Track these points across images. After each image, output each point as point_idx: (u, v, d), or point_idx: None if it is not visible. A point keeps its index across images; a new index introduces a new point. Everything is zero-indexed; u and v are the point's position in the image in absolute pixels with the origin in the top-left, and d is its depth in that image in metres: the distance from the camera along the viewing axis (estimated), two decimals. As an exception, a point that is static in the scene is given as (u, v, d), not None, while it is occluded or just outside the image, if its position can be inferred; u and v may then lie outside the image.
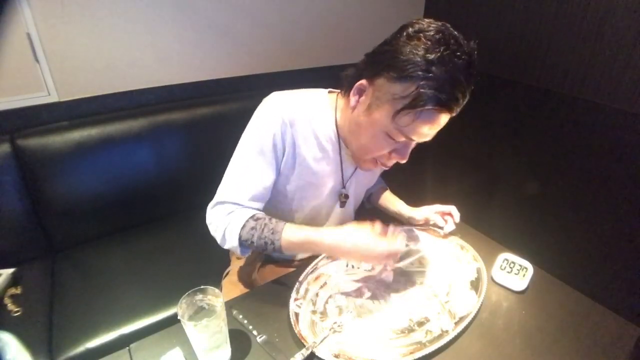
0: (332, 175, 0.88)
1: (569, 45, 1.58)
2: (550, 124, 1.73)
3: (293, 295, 0.78)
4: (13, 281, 1.25)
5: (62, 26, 1.33)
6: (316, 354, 0.66)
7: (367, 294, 0.79)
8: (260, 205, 0.82)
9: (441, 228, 0.96)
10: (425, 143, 0.76)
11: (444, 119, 0.70)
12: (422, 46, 0.64)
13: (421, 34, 0.65)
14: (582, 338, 0.71)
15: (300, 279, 0.82)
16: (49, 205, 1.36)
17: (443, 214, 0.98)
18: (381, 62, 0.69)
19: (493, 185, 2.07)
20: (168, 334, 0.72)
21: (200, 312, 0.65)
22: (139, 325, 1.15)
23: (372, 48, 0.74)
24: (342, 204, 0.94)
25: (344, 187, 0.92)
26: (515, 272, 0.83)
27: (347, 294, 0.79)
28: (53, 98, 1.40)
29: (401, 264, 0.87)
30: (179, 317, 0.61)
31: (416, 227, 0.99)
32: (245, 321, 0.73)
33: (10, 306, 1.16)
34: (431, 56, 0.63)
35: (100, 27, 1.39)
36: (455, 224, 0.95)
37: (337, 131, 0.84)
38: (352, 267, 0.87)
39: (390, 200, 1.06)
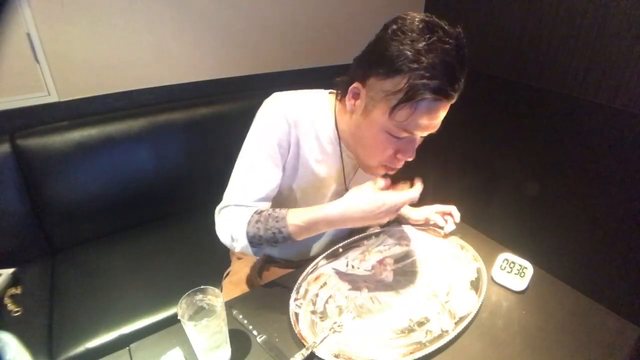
0: (333, 177, 0.88)
1: (569, 45, 1.58)
2: (550, 124, 1.73)
3: (293, 295, 0.78)
4: (13, 281, 1.25)
5: (62, 26, 1.33)
6: (316, 354, 0.66)
7: (367, 293, 0.79)
8: (266, 205, 0.80)
9: (441, 228, 0.96)
10: (426, 141, 0.75)
11: (442, 107, 0.68)
12: (408, 39, 0.63)
13: (405, 28, 0.64)
14: (582, 338, 0.71)
15: (300, 279, 0.82)
16: (49, 205, 1.36)
17: (443, 214, 0.98)
18: (369, 61, 0.69)
19: (493, 185, 2.07)
20: (168, 334, 0.72)
21: (200, 312, 0.65)
22: (139, 325, 1.15)
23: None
24: None
25: (346, 189, 0.91)
26: (515, 272, 0.83)
27: (347, 294, 0.79)
28: (53, 98, 1.40)
29: (401, 264, 0.87)
30: (179, 317, 0.61)
31: (416, 227, 0.99)
32: (245, 321, 0.73)
33: (10, 306, 1.16)
34: (417, 46, 0.62)
35: (100, 27, 1.39)
36: (456, 223, 0.95)
37: (338, 133, 0.83)
38: (352, 267, 0.87)
39: None
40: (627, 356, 0.68)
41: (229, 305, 0.76)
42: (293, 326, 0.71)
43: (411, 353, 0.66)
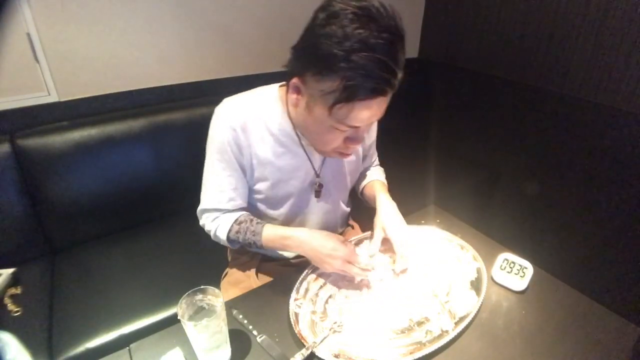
0: (300, 168, 0.87)
1: (569, 45, 1.58)
2: (550, 124, 1.73)
3: (293, 295, 0.78)
4: (13, 281, 1.25)
5: (62, 26, 1.33)
6: (316, 354, 0.66)
7: (367, 293, 0.79)
8: (242, 203, 0.89)
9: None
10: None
11: (381, 101, 0.66)
12: (338, 34, 0.60)
13: (334, 20, 0.60)
14: (582, 338, 0.71)
15: (300, 279, 0.82)
16: (49, 205, 1.36)
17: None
18: (303, 57, 0.68)
19: (493, 185, 2.07)
20: (168, 334, 0.72)
21: (200, 312, 0.65)
22: (139, 325, 1.15)
23: None
24: (317, 194, 0.92)
25: (317, 176, 0.90)
26: (515, 272, 0.83)
27: (347, 294, 0.79)
28: (53, 98, 1.40)
29: (399, 264, 0.87)
30: (179, 317, 0.61)
31: (416, 226, 0.99)
32: (245, 321, 0.73)
33: (10, 306, 1.16)
34: (347, 44, 0.59)
35: (100, 27, 1.39)
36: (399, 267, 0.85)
37: (292, 123, 0.83)
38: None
39: (373, 191, 0.98)
40: (627, 356, 0.68)
41: (229, 305, 0.76)
42: (293, 326, 0.71)
43: (411, 353, 0.66)
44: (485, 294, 0.78)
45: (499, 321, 0.75)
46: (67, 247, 1.43)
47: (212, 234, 0.89)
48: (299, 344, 0.68)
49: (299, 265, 0.91)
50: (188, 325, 0.60)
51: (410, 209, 1.08)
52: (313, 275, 0.84)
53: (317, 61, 0.64)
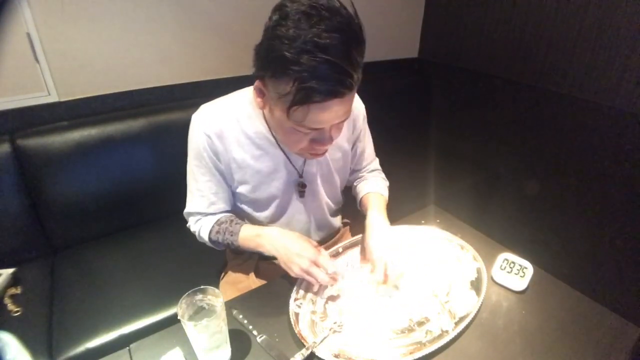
0: (280, 169, 0.86)
1: (569, 45, 1.58)
2: (550, 124, 1.73)
3: (293, 295, 0.78)
4: (13, 281, 1.25)
5: (62, 26, 1.33)
6: (316, 354, 0.66)
7: (367, 293, 0.79)
8: (225, 206, 0.90)
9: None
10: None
11: (338, 103, 0.63)
12: (289, 34, 0.57)
13: (285, 21, 0.59)
14: (582, 338, 0.71)
15: (300, 279, 0.82)
16: (49, 205, 1.36)
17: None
18: (260, 59, 0.66)
19: (493, 185, 2.07)
20: (168, 334, 0.72)
21: (200, 312, 0.65)
22: (139, 325, 1.15)
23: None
24: (301, 194, 0.91)
25: (299, 175, 0.89)
26: (515, 272, 0.83)
27: (347, 294, 0.79)
28: (53, 98, 1.40)
29: (399, 264, 0.87)
30: (179, 317, 0.61)
31: (415, 226, 0.99)
32: (245, 321, 0.73)
33: (10, 306, 1.16)
34: (296, 45, 0.57)
35: (100, 27, 1.39)
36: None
37: (268, 125, 0.82)
38: (352, 267, 0.87)
39: (367, 204, 0.95)
40: (627, 356, 0.68)
41: (229, 305, 0.76)
42: (293, 326, 0.71)
43: (411, 353, 0.66)
44: (485, 294, 0.78)
45: (499, 321, 0.75)
46: (67, 247, 1.43)
47: (197, 235, 0.92)
48: (299, 344, 0.68)
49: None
50: (188, 325, 0.60)
51: (410, 209, 1.08)
52: (313, 275, 0.84)
53: (271, 63, 0.62)
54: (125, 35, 1.44)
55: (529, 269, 0.82)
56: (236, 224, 0.86)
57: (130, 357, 0.68)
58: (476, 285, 0.81)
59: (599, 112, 1.54)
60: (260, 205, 0.90)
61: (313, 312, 0.75)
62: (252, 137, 0.82)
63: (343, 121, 0.71)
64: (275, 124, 0.73)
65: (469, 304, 0.76)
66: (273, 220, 0.92)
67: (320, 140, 0.72)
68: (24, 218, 1.34)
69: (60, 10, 1.30)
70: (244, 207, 0.91)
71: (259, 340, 0.70)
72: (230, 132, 0.81)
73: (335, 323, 0.72)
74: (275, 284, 0.86)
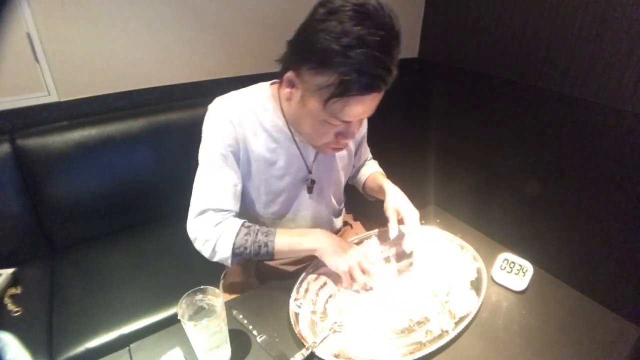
0: (293, 163, 0.87)
1: (569, 45, 1.58)
2: (550, 124, 1.73)
3: (293, 295, 0.78)
4: (13, 281, 1.25)
5: (62, 26, 1.33)
6: (316, 354, 0.66)
7: (367, 293, 0.79)
8: (238, 204, 0.84)
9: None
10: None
11: (375, 97, 0.69)
12: (336, 30, 0.61)
13: (333, 16, 0.62)
14: (582, 338, 0.71)
15: (300, 279, 0.82)
16: (49, 205, 1.36)
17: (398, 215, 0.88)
18: (300, 52, 0.69)
19: (493, 185, 2.07)
20: (168, 334, 0.72)
21: (200, 312, 0.65)
22: (139, 325, 1.15)
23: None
24: (310, 190, 0.92)
25: (309, 171, 0.90)
26: (515, 272, 0.83)
27: (347, 294, 0.79)
28: (53, 98, 1.40)
29: (401, 263, 0.87)
30: (179, 317, 0.61)
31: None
32: (245, 321, 0.73)
33: (10, 306, 1.16)
34: (345, 39, 0.61)
35: (100, 27, 1.39)
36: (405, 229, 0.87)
37: (285, 119, 0.83)
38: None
39: (375, 182, 1.01)
40: (627, 356, 0.68)
41: (229, 305, 0.76)
42: (293, 326, 0.71)
43: (411, 353, 0.66)
44: (485, 294, 0.78)
45: (499, 321, 0.75)
46: (67, 247, 1.43)
47: (210, 245, 0.78)
48: (299, 344, 0.68)
49: (299, 266, 0.91)
50: (188, 325, 0.60)
51: (410, 209, 1.08)
52: (313, 275, 0.84)
53: (314, 55, 0.65)
54: (125, 35, 1.44)
55: (529, 269, 0.82)
56: (268, 227, 0.81)
57: (130, 357, 0.68)
58: (476, 285, 0.81)
59: (599, 112, 1.54)
60: (267, 199, 0.89)
61: (313, 312, 0.75)
62: (268, 129, 0.83)
63: (367, 116, 0.75)
64: (305, 115, 0.74)
65: (469, 304, 0.76)
66: (279, 215, 0.92)
67: (345, 134, 0.76)
68: (24, 218, 1.34)
69: (60, 10, 1.30)
70: (250, 201, 0.89)
71: (259, 340, 0.70)
72: (247, 123, 0.81)
73: (335, 323, 0.72)
74: (275, 284, 0.86)
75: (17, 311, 1.15)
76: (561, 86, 1.64)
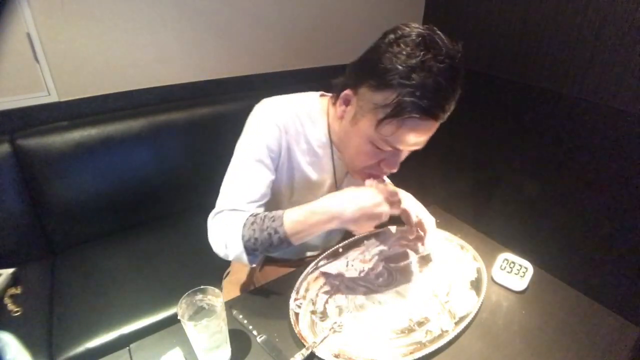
0: (325, 180, 0.87)
1: (569, 45, 1.58)
2: (550, 124, 1.73)
3: (293, 295, 0.78)
4: (13, 281, 1.25)
5: (62, 26, 1.33)
6: (316, 354, 0.66)
7: (367, 293, 0.79)
8: (259, 209, 0.78)
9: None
10: (427, 141, 0.74)
11: (429, 126, 0.67)
12: (402, 52, 0.62)
13: (401, 40, 0.63)
14: (582, 338, 0.71)
15: (300, 279, 0.82)
16: (49, 205, 1.36)
17: (419, 224, 0.87)
18: (363, 70, 0.68)
19: (493, 185, 2.07)
20: (168, 334, 0.72)
21: (200, 312, 0.65)
22: (139, 325, 1.15)
23: (368, 47, 0.72)
24: None
25: (336, 190, 0.90)
26: (515, 272, 0.83)
27: (347, 294, 0.79)
28: (53, 98, 1.40)
29: (401, 264, 0.87)
30: (179, 317, 0.61)
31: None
32: (245, 321, 0.73)
33: (10, 306, 1.16)
34: (410, 62, 0.61)
35: (100, 27, 1.39)
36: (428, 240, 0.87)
37: (330, 136, 0.83)
38: (352, 266, 0.87)
39: None
40: (627, 356, 0.68)
41: (229, 305, 0.76)
42: (293, 326, 0.71)
43: (411, 353, 0.66)
44: (485, 294, 0.78)
45: (499, 321, 0.75)
46: (67, 247, 1.43)
47: (222, 243, 0.73)
48: (299, 344, 0.68)
49: (300, 265, 0.92)
50: (188, 325, 0.60)
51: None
52: (313, 275, 0.84)
53: (377, 74, 0.64)
54: (125, 35, 1.44)
55: (529, 269, 0.82)
56: (275, 211, 0.73)
57: (130, 357, 0.68)
58: (476, 285, 0.81)
59: (599, 112, 1.54)
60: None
61: (313, 312, 0.75)
62: (311, 142, 0.82)
63: (415, 150, 0.72)
64: (354, 134, 0.73)
65: (469, 304, 0.76)
66: None
67: (390, 162, 0.74)
68: (24, 218, 1.34)
69: (60, 10, 1.30)
70: (274, 208, 0.83)
71: (259, 340, 0.70)
72: (294, 132, 0.80)
73: (335, 323, 0.72)
74: (275, 284, 0.86)
75: (17, 311, 1.15)
76: (561, 86, 1.64)
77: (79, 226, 1.44)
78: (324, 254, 0.89)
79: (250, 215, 0.73)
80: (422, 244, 0.87)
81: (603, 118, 1.53)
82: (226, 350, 0.66)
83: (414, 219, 0.86)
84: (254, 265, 0.80)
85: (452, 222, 1.04)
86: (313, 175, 0.85)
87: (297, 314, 0.74)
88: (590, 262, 1.68)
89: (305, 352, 0.66)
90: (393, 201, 0.72)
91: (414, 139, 0.68)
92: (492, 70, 1.90)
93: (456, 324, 0.72)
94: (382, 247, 0.92)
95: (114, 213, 1.48)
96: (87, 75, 1.43)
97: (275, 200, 0.86)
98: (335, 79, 0.79)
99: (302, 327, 0.71)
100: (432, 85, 0.61)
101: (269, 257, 1.00)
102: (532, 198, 1.87)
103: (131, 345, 0.70)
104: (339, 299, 0.78)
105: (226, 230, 0.72)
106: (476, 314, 0.74)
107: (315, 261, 0.87)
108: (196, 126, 1.56)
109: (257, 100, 0.83)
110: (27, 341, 0.98)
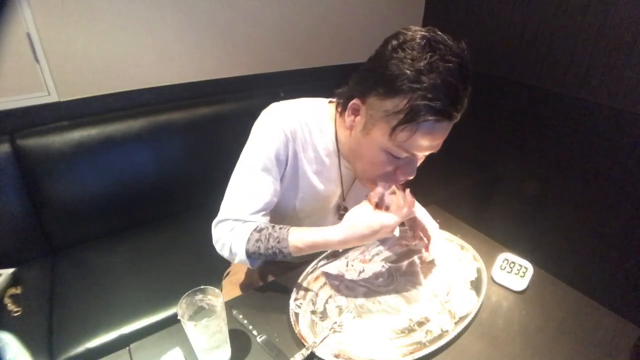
0: (331, 189, 0.86)
1: (569, 45, 1.58)
2: (550, 124, 1.73)
3: (293, 295, 0.78)
4: (13, 281, 1.25)
5: (62, 26, 1.33)
6: (316, 354, 0.66)
7: (367, 293, 0.79)
8: (264, 218, 0.79)
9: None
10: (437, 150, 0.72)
11: (444, 128, 0.66)
12: (408, 57, 0.61)
13: (405, 45, 0.62)
14: (582, 338, 0.71)
15: (300, 279, 0.82)
16: (49, 205, 1.36)
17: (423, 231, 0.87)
18: (369, 79, 0.67)
19: (493, 185, 2.07)
20: (168, 334, 0.72)
21: (200, 312, 0.65)
22: (139, 325, 1.15)
23: (373, 48, 0.72)
24: (341, 217, 0.89)
25: (344, 199, 0.90)
26: (515, 272, 0.83)
27: (347, 294, 0.79)
28: (53, 98, 1.40)
29: (401, 264, 0.87)
30: (179, 317, 0.61)
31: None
32: (245, 321, 0.73)
33: (10, 306, 1.16)
34: (418, 65, 0.60)
35: (100, 27, 1.39)
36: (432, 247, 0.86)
37: (337, 144, 0.82)
38: (352, 266, 0.87)
39: None
40: (627, 356, 0.68)
41: (229, 305, 0.76)
42: (293, 326, 0.71)
43: (411, 353, 0.66)
44: (485, 294, 0.78)
45: (499, 321, 0.75)
46: (67, 247, 1.43)
47: (227, 249, 0.77)
48: (299, 344, 0.68)
49: (300, 266, 0.91)
50: (188, 325, 0.60)
51: (411, 209, 1.08)
52: (313, 275, 0.84)
53: (385, 81, 0.63)
54: (125, 35, 1.44)
55: (529, 269, 0.82)
56: (280, 228, 0.74)
57: (130, 357, 0.68)
58: (476, 285, 0.81)
59: (599, 112, 1.54)
60: (296, 220, 0.88)
61: (313, 312, 0.75)
62: (319, 150, 0.81)
63: (432, 153, 0.71)
64: (366, 145, 0.71)
65: (469, 304, 0.76)
66: None
67: (406, 170, 0.72)
68: (24, 218, 1.34)
69: (60, 10, 1.30)
70: (276, 219, 0.84)
71: (259, 340, 0.70)
72: (302, 139, 0.79)
73: (335, 323, 0.72)
74: (275, 284, 0.86)
75: (17, 311, 1.15)
76: (561, 86, 1.64)
77: (79, 226, 1.44)
78: (324, 254, 0.89)
79: (254, 231, 0.74)
80: (427, 250, 0.86)
81: (603, 118, 1.53)
82: (226, 350, 0.66)
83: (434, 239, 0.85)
84: (256, 267, 0.81)
85: (452, 222, 1.03)
86: (319, 184, 0.84)
87: (297, 314, 0.74)
88: (590, 262, 1.68)
89: (305, 352, 0.66)
90: (392, 226, 0.70)
91: (430, 142, 0.66)
92: (492, 70, 1.90)
93: (456, 324, 0.72)
94: (382, 247, 0.92)
95: (114, 213, 1.48)
96: (87, 75, 1.43)
97: (279, 209, 0.84)
98: (339, 90, 0.78)
99: (302, 327, 0.71)
100: (443, 85, 0.60)
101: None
102: (532, 198, 1.87)
103: (131, 345, 0.70)
104: (339, 299, 0.78)
105: (231, 242, 0.75)
106: (476, 314, 0.74)
107: (315, 261, 0.87)
108: (196, 126, 1.56)
109: (257, 100, 0.83)
110: (27, 341, 0.98)
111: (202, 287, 0.65)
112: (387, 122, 0.65)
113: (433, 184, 1.88)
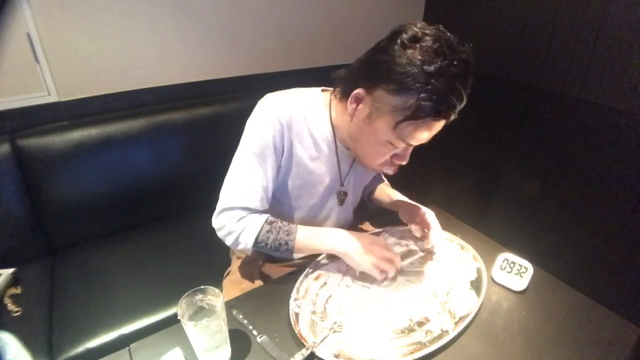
0: (329, 174, 0.89)
1: (569, 45, 1.58)
2: (550, 124, 1.73)
3: (293, 295, 0.78)
4: (13, 281, 1.25)
5: (62, 26, 1.33)
6: (316, 354, 0.66)
7: (367, 293, 0.79)
8: (266, 206, 0.85)
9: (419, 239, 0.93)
10: (425, 144, 0.77)
11: (441, 125, 0.73)
12: (420, 57, 0.64)
13: (417, 44, 0.65)
14: (582, 338, 0.71)
15: (300, 279, 0.82)
16: (49, 205, 1.36)
17: (422, 221, 0.92)
18: (377, 72, 0.69)
19: (493, 185, 2.07)
20: (168, 334, 0.72)
21: (200, 312, 0.65)
22: (139, 325, 1.15)
23: (368, 47, 0.73)
24: (341, 202, 0.94)
25: (342, 184, 0.92)
26: (515, 272, 0.83)
27: (347, 294, 0.79)
28: (53, 98, 1.40)
29: (402, 263, 0.87)
30: (179, 317, 0.61)
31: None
32: (245, 321, 0.73)
33: (10, 306, 1.16)
34: (430, 68, 0.63)
35: (100, 27, 1.39)
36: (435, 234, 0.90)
37: (333, 130, 0.84)
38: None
39: (385, 193, 1.06)
40: (627, 356, 0.68)
41: (229, 305, 0.76)
42: (293, 326, 0.71)
43: (411, 353, 0.66)
44: (485, 294, 0.78)
45: (499, 321, 0.75)
46: (67, 247, 1.43)
47: (233, 236, 0.81)
48: (299, 344, 0.68)
49: (300, 266, 0.91)
50: (188, 325, 0.60)
51: (411, 209, 1.08)
52: (313, 275, 0.84)
53: (395, 79, 0.66)
54: (125, 35, 1.44)
55: (529, 269, 0.82)
56: (289, 224, 0.83)
57: (130, 357, 0.68)
58: (476, 285, 0.81)
59: (599, 112, 1.54)
60: (296, 206, 0.90)
61: (313, 312, 0.75)
62: (315, 137, 0.84)
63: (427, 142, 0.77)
64: (368, 134, 0.75)
65: (469, 304, 0.76)
66: (302, 223, 0.91)
67: (402, 156, 0.79)
68: (24, 218, 1.34)
69: (60, 10, 1.30)
70: (277, 206, 0.90)
71: (259, 340, 0.70)
72: (297, 126, 0.82)
73: (335, 323, 0.72)
74: (275, 284, 0.86)
75: (17, 311, 1.15)
76: (561, 86, 1.64)
77: (79, 226, 1.44)
78: (324, 254, 0.89)
79: (265, 222, 0.81)
80: (427, 240, 0.89)
81: (603, 118, 1.53)
82: (226, 350, 0.66)
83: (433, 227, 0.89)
84: (257, 257, 0.94)
85: (452, 222, 1.04)
86: (316, 169, 0.86)
87: (297, 314, 0.74)
88: (590, 262, 1.68)
89: (305, 352, 0.66)
90: (382, 262, 0.79)
91: (427, 136, 0.73)
92: (492, 70, 1.90)
93: (456, 324, 0.72)
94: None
95: (114, 213, 1.48)
96: (87, 75, 1.43)
97: (276, 195, 0.87)
98: (335, 72, 0.80)
99: (302, 327, 0.71)
100: (449, 90, 0.65)
101: (269, 256, 1.00)
102: (532, 198, 1.87)
103: (131, 345, 0.70)
104: (339, 299, 0.78)
105: (241, 231, 0.80)
106: (476, 314, 0.74)
107: (315, 261, 0.87)
108: (196, 126, 1.56)
109: (257, 100, 0.83)
110: (27, 341, 0.98)
111: (202, 287, 0.65)
112: (393, 117, 0.70)
113: (433, 184, 1.88)
